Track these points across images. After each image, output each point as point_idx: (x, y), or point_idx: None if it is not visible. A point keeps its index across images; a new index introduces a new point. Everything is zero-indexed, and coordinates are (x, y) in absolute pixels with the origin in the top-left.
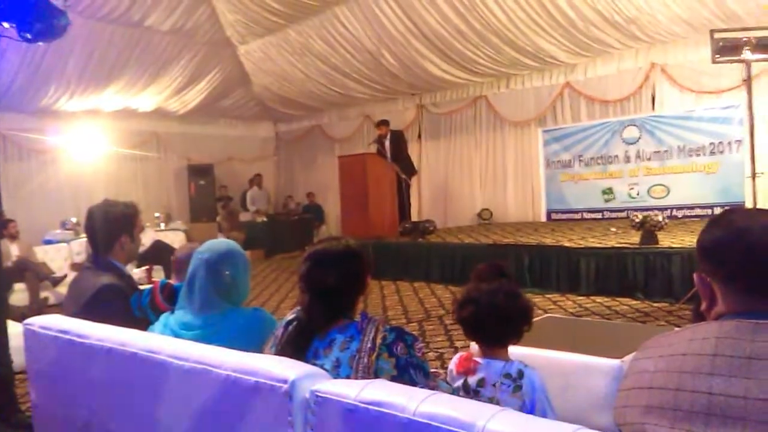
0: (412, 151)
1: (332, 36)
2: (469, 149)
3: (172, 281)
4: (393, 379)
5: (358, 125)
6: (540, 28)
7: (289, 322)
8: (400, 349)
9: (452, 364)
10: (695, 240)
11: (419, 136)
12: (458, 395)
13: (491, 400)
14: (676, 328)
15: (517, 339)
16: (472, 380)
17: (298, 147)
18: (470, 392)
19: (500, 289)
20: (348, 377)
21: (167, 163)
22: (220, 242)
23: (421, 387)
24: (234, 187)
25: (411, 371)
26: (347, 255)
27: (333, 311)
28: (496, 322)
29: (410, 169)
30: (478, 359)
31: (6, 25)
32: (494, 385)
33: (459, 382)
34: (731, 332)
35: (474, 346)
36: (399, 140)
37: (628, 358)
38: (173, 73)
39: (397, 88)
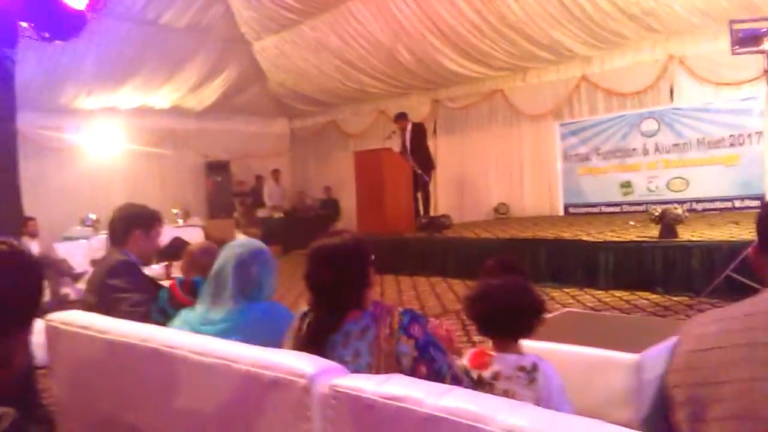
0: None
1: (347, 32)
2: (485, 144)
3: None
4: (415, 360)
5: (372, 121)
6: (556, 21)
7: (305, 314)
8: (417, 330)
9: (465, 360)
10: (715, 233)
11: (435, 131)
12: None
13: (506, 393)
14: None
15: (528, 333)
16: (487, 374)
17: (313, 143)
18: (485, 385)
19: (508, 284)
20: (369, 365)
21: (184, 160)
22: (253, 241)
23: (441, 364)
24: (251, 184)
25: (431, 350)
26: (343, 249)
27: (340, 306)
28: (506, 316)
29: (428, 164)
30: (492, 353)
31: (24, 24)
32: (509, 378)
33: (473, 376)
34: None
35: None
36: (419, 133)
37: (648, 352)
38: (189, 70)
39: (412, 83)
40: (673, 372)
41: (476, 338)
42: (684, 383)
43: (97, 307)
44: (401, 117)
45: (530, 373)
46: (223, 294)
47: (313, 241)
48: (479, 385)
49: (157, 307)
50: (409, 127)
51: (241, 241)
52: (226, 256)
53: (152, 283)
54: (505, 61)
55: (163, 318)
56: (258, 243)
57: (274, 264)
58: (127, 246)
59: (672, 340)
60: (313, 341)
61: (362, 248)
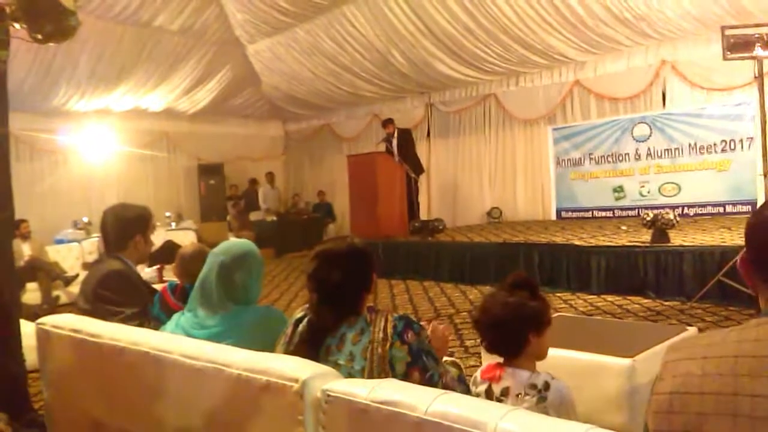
0: (421, 149)
1: (341, 35)
2: (478, 148)
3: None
4: (408, 365)
5: (366, 124)
6: (549, 26)
7: (299, 320)
8: (411, 336)
9: (479, 371)
10: (707, 238)
11: (428, 135)
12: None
13: None
14: (689, 328)
15: (522, 348)
16: (497, 388)
17: (307, 146)
18: (494, 399)
19: (504, 301)
20: (362, 369)
21: (177, 163)
22: (238, 244)
23: (433, 372)
24: (244, 187)
25: (423, 357)
26: (352, 253)
27: (341, 309)
28: (497, 332)
29: (418, 168)
30: (505, 367)
31: (17, 26)
32: (518, 396)
33: (482, 387)
34: None
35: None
36: (406, 138)
37: (640, 357)
38: (183, 72)
39: (406, 87)
40: (654, 413)
41: (468, 342)
42: (666, 429)
43: (89, 314)
44: (388, 123)
45: (541, 391)
46: (211, 300)
47: (306, 244)
48: (488, 397)
49: (151, 314)
50: (396, 133)
51: (226, 245)
52: (210, 263)
53: (147, 288)
54: (498, 65)
55: (156, 325)
56: (242, 246)
57: (259, 265)
58: (126, 251)
59: (663, 347)
60: (310, 342)
61: (369, 254)
